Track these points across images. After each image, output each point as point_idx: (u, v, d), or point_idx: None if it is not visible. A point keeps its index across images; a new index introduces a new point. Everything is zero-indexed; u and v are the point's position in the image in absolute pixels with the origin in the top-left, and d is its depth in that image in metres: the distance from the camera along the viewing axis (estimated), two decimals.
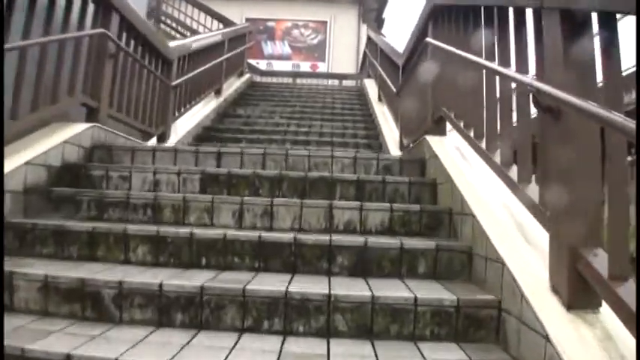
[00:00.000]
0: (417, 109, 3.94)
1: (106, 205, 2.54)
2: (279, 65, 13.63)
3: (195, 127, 5.70)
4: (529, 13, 1.89)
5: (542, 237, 1.73)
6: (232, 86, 7.89)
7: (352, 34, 13.89)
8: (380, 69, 6.59)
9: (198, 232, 2.10)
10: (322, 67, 13.63)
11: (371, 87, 8.13)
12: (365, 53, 9.58)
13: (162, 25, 9.86)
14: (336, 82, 11.95)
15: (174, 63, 4.95)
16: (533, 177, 1.89)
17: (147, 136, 4.72)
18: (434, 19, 3.37)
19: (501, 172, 2.01)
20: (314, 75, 12.45)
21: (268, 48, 13.89)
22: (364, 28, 14.30)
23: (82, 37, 3.31)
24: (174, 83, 4.83)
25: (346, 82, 12.03)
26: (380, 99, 6.95)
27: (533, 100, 1.59)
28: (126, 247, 2.13)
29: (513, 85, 2.10)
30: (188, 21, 10.02)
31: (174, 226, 2.39)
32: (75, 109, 3.52)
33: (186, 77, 5.27)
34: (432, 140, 3.02)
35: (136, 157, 3.23)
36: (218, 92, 7.05)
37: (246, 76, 8.95)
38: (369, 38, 8.95)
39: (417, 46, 3.92)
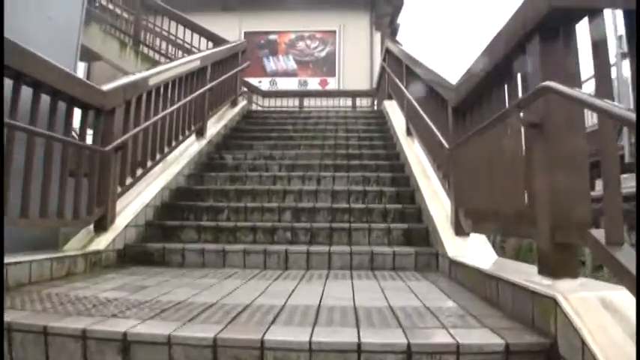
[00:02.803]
0: (495, 189, 2.30)
1: None
2: (284, 83, 12.09)
3: (161, 193, 4.12)
4: None
5: None
6: (221, 121, 6.33)
7: (364, 43, 12.28)
8: (409, 96, 4.94)
9: None
10: (332, 83, 12.02)
11: (393, 112, 6.49)
12: (383, 69, 7.95)
13: (150, 50, 8.37)
14: (348, 101, 10.36)
15: (116, 112, 3.39)
16: None
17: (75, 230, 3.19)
18: (546, 37, 1.72)
19: None
20: (323, 94, 10.86)
21: (271, 64, 12.34)
22: (378, 35, 12.73)
23: None
24: (112, 146, 3.26)
25: (361, 101, 10.45)
26: (409, 133, 5.31)
27: None
28: None
29: None
30: (173, 42, 8.46)
31: None
32: None
33: (138, 130, 3.70)
34: (578, 312, 1.37)
35: None
36: (200, 133, 5.49)
37: (241, 104, 7.38)
38: (388, 51, 7.32)
39: (493, 84, 2.29)
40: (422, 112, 4.01)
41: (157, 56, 8.29)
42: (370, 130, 6.38)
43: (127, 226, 3.48)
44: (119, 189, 3.58)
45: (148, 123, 3.89)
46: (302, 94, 10.76)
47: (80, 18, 3.61)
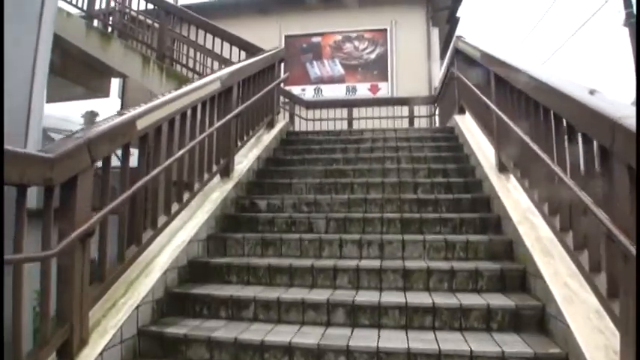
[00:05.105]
0: None
1: None
2: (329, 90, 10.82)
3: (164, 278, 2.95)
4: None
5: None
6: (254, 150, 5.15)
7: (420, 41, 10.77)
8: (508, 121, 3.52)
9: None
10: (384, 89, 10.62)
11: (471, 135, 5.05)
12: (450, 74, 6.50)
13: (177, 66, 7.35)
14: (405, 110, 8.96)
15: (78, 183, 2.25)
16: None
17: None
18: None
19: None
20: (374, 102, 9.48)
21: (315, 70, 11.10)
22: (435, 31, 11.21)
23: None
24: (70, 239, 2.11)
25: (419, 110, 9.02)
26: (502, 168, 3.89)
27: None
28: None
29: None
30: (203, 52, 7.35)
31: None
32: None
33: (120, 200, 2.56)
34: None
35: None
36: (225, 173, 4.33)
37: (279, 126, 6.16)
38: (458, 53, 5.88)
39: None
40: (549, 163, 2.59)
41: (187, 72, 7.25)
42: (442, 159, 4.96)
43: (105, 349, 2.34)
44: (98, 287, 2.47)
45: (139, 184, 2.75)
46: (350, 104, 9.44)
47: (34, 51, 2.52)
